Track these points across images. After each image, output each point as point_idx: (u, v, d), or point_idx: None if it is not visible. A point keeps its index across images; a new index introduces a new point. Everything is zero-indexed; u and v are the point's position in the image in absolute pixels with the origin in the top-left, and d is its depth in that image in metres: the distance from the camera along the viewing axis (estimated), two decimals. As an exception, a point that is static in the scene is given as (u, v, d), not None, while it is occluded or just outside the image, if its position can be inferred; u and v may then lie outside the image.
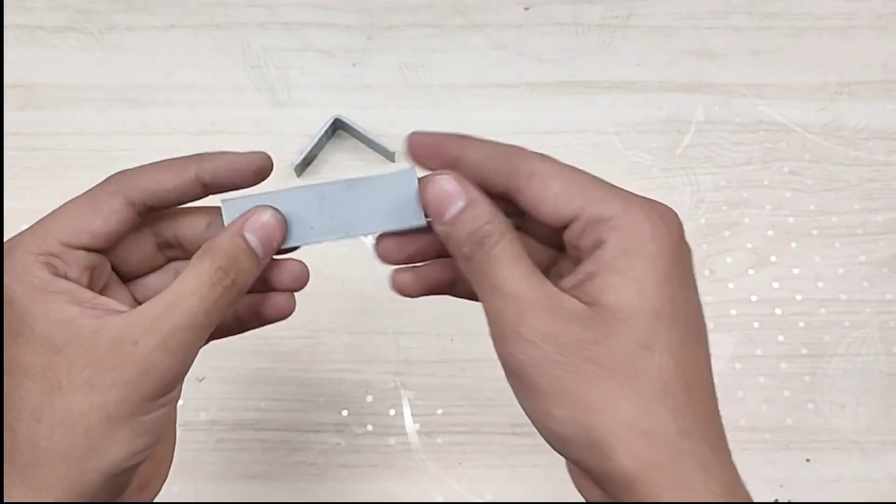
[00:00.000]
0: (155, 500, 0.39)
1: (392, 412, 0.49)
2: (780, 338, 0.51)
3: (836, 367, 0.50)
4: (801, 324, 0.51)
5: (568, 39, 0.59)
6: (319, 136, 0.53)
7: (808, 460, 0.48)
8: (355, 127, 0.54)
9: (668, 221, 0.27)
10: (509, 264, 0.27)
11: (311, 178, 0.54)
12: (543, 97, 0.57)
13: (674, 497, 0.24)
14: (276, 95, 0.57)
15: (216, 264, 0.27)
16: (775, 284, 0.52)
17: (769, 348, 0.51)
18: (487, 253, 0.28)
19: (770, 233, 0.53)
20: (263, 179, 0.31)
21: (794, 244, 0.53)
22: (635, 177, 0.55)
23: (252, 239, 0.29)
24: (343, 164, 0.55)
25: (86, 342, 0.26)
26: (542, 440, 0.44)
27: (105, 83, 0.57)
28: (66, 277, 0.27)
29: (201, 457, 0.47)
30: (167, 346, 0.26)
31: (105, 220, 0.28)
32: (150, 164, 0.30)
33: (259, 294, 0.31)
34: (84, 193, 0.30)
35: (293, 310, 0.32)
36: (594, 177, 0.28)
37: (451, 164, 0.29)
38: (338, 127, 0.55)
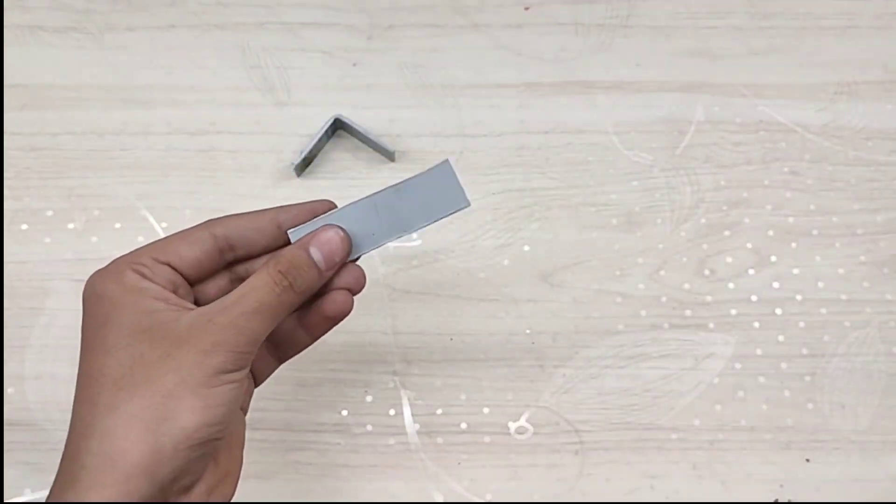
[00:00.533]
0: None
1: (392, 412, 0.49)
2: (780, 338, 0.51)
3: (836, 367, 0.50)
4: (802, 324, 0.51)
5: (568, 39, 0.59)
6: (319, 136, 0.53)
7: (807, 460, 0.48)
8: (355, 127, 0.54)
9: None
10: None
11: (311, 178, 0.54)
12: (543, 97, 0.57)
13: None
14: (276, 95, 0.57)
15: (278, 268, 0.33)
16: (775, 284, 0.52)
17: (769, 348, 0.51)
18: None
19: (770, 233, 0.53)
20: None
21: (794, 244, 0.53)
22: (635, 177, 0.55)
23: (315, 253, 0.34)
24: (343, 163, 0.55)
25: (167, 325, 0.31)
26: (542, 440, 0.45)
27: (105, 83, 0.57)
28: (152, 281, 0.32)
29: (201, 457, 0.47)
30: (237, 325, 0.31)
31: (190, 245, 0.34)
32: (238, 213, 0.35)
33: (323, 297, 0.36)
34: (180, 230, 0.35)
35: (351, 307, 0.36)
36: None
37: None
38: (338, 127, 0.55)
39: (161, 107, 0.56)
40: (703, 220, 0.54)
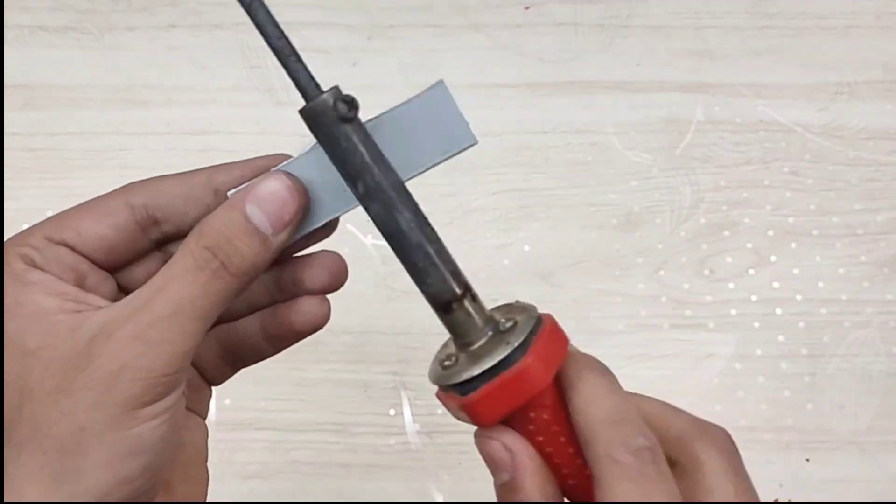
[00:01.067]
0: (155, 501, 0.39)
1: (392, 412, 0.49)
2: (781, 338, 0.51)
3: (836, 368, 0.50)
4: (802, 324, 0.51)
5: (568, 39, 0.59)
6: (319, 135, 0.53)
7: (807, 460, 0.48)
8: (355, 127, 0.54)
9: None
10: None
11: (310, 178, 0.54)
12: (543, 97, 0.57)
13: None
14: (275, 95, 0.57)
15: (201, 243, 0.23)
16: (775, 284, 0.52)
17: (769, 348, 0.51)
18: None
19: (770, 233, 0.53)
20: None
21: (794, 244, 0.53)
22: (635, 177, 0.55)
23: (254, 212, 0.24)
24: (343, 164, 0.55)
25: (61, 341, 0.22)
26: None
27: (105, 83, 0.57)
28: (42, 270, 0.24)
29: (201, 457, 0.47)
30: (146, 339, 0.22)
31: (97, 218, 0.25)
32: (167, 174, 0.26)
33: (289, 304, 0.28)
34: (89, 200, 0.26)
35: (327, 316, 0.28)
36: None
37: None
38: (337, 127, 0.55)
39: (160, 107, 0.56)
40: (702, 220, 0.54)
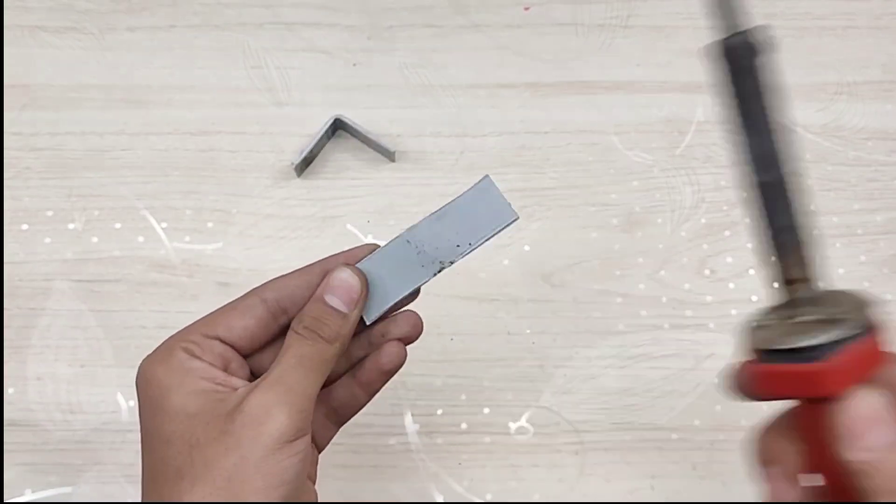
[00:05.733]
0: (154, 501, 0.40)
1: (392, 412, 0.49)
2: (781, 338, 0.51)
3: (836, 367, 0.50)
4: (802, 324, 0.51)
5: (568, 39, 0.59)
6: (319, 136, 0.53)
7: (808, 460, 0.48)
8: (355, 127, 0.54)
9: None
10: None
11: (311, 178, 0.54)
12: (543, 97, 0.57)
13: None
14: (276, 95, 0.57)
15: (302, 324, 0.32)
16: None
17: (769, 348, 0.51)
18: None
19: (770, 233, 0.53)
20: None
21: (794, 244, 0.53)
22: (635, 177, 0.55)
23: (332, 299, 0.33)
24: (343, 163, 0.55)
25: (216, 405, 0.30)
26: (542, 440, 0.44)
27: (105, 83, 0.57)
28: (200, 359, 0.31)
29: (201, 457, 0.47)
30: (284, 382, 0.30)
31: (240, 315, 0.33)
32: (289, 279, 0.34)
33: (377, 351, 0.36)
34: (230, 301, 0.34)
35: (404, 358, 0.36)
36: None
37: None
38: (338, 127, 0.55)
39: (161, 107, 0.56)
40: (703, 220, 0.54)
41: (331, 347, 0.32)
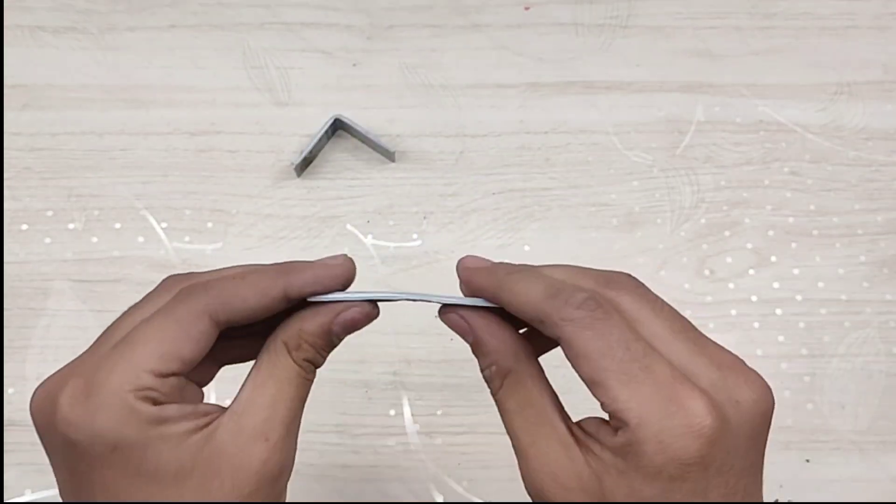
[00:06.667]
0: (154, 501, 0.39)
1: (392, 412, 0.49)
2: (781, 338, 0.51)
3: (836, 368, 0.50)
4: (802, 324, 0.51)
5: (568, 39, 0.59)
6: (319, 136, 0.53)
7: (807, 460, 0.48)
8: (355, 127, 0.54)
9: (688, 434, 0.24)
10: (514, 412, 0.29)
11: (311, 178, 0.54)
12: (543, 97, 0.57)
13: None
14: (276, 95, 0.57)
15: (302, 356, 0.29)
16: (775, 284, 0.52)
17: (769, 348, 0.51)
18: (495, 397, 0.29)
19: (770, 233, 0.53)
20: (348, 286, 0.31)
21: (794, 244, 0.53)
22: (635, 177, 0.55)
23: (337, 330, 0.30)
24: (343, 163, 0.55)
25: (208, 455, 0.26)
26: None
27: (105, 83, 0.57)
28: (168, 404, 0.26)
29: (201, 457, 0.47)
30: (265, 438, 0.27)
31: (196, 344, 0.27)
32: (232, 277, 0.28)
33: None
34: (168, 315, 0.27)
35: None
36: (622, 355, 0.25)
37: (494, 296, 0.29)
38: (338, 127, 0.55)
39: (161, 107, 0.56)
40: (703, 221, 0.54)
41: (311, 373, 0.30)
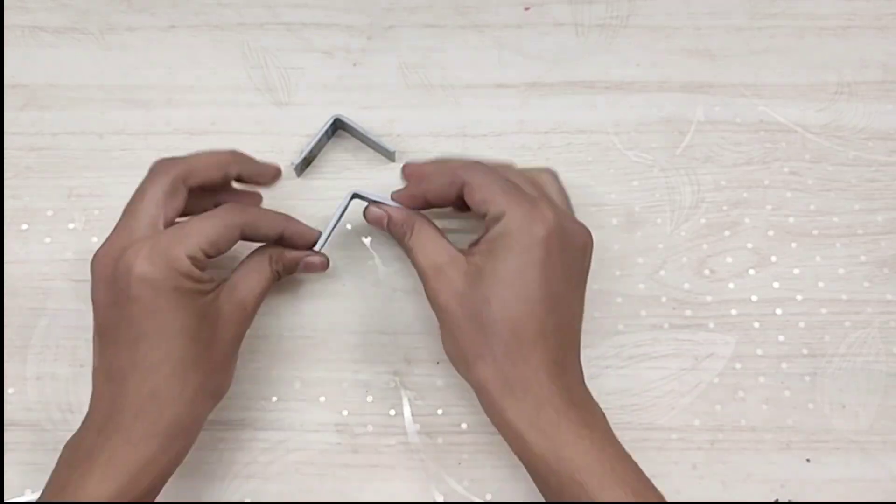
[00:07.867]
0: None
1: (392, 412, 0.49)
2: (781, 338, 0.51)
3: (836, 368, 0.50)
4: (802, 324, 0.51)
5: (568, 39, 0.59)
6: (319, 136, 0.53)
7: (808, 460, 0.48)
8: (355, 127, 0.54)
9: (539, 222, 0.40)
10: (418, 248, 0.44)
11: (311, 178, 0.54)
12: (543, 97, 0.57)
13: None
14: (276, 95, 0.57)
15: (275, 268, 0.45)
16: (776, 284, 0.52)
17: (769, 348, 0.51)
18: (406, 244, 0.45)
19: (770, 233, 0.53)
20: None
21: (794, 244, 0.53)
22: (635, 177, 0.55)
23: (302, 267, 0.47)
24: (343, 163, 0.55)
25: (215, 307, 0.41)
26: (542, 440, 0.43)
27: (105, 83, 0.57)
28: (203, 270, 0.41)
29: (201, 456, 0.47)
30: (244, 307, 0.43)
31: (227, 243, 0.42)
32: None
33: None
34: (214, 217, 0.42)
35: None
36: (505, 183, 0.42)
37: (423, 180, 0.46)
38: (338, 127, 0.55)
39: (161, 107, 0.56)
40: (703, 220, 0.54)
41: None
